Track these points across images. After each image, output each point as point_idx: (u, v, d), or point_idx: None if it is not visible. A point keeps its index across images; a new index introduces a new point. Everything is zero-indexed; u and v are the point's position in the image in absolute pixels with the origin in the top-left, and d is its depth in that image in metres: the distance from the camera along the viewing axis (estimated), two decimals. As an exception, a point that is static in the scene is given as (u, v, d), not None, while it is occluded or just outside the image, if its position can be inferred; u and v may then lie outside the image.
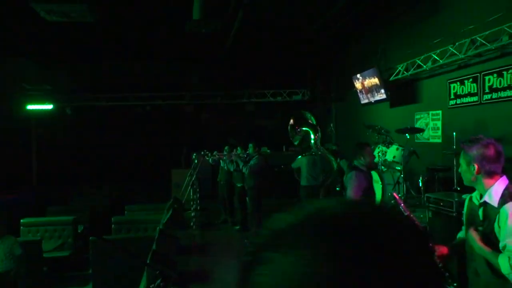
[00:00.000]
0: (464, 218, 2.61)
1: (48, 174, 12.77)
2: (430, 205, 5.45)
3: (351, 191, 4.38)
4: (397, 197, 2.50)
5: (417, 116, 8.83)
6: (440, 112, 8.09)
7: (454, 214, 4.58)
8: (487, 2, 6.67)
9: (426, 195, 5.65)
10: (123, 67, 12.84)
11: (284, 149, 13.48)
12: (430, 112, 8.40)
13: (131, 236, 7.78)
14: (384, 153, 6.24)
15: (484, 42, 6.37)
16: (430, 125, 8.41)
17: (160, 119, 13.43)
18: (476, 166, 2.30)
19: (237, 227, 8.44)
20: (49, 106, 12.28)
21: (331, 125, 13.37)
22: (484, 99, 6.86)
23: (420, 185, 6.16)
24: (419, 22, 8.51)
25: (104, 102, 12.73)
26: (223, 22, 7.84)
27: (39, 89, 12.09)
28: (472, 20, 6.93)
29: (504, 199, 2.23)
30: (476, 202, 2.42)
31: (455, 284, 2.36)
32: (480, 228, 2.30)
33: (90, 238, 6.83)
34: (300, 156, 7.63)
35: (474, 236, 2.29)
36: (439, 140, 8.05)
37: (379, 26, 10.23)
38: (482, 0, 6.81)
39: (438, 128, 8.15)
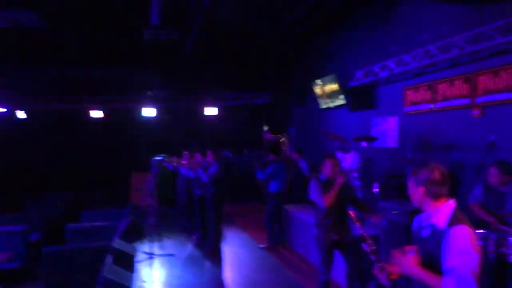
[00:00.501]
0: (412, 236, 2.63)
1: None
2: (385, 213, 5.55)
3: (314, 198, 4.47)
4: (352, 215, 2.49)
5: (375, 121, 9.01)
6: (396, 118, 8.28)
7: (407, 223, 4.67)
8: (441, 12, 6.87)
9: (381, 203, 5.76)
10: (79, 71, 12.47)
11: (246, 152, 13.47)
12: (387, 118, 8.58)
13: (85, 246, 7.52)
14: (342, 161, 6.30)
15: (437, 52, 6.55)
16: (386, 130, 8.59)
17: (120, 122, 13.11)
18: (423, 189, 2.35)
19: (197, 235, 8.33)
20: (3, 109, 11.79)
21: (292, 129, 13.47)
22: (437, 107, 7.07)
23: (377, 192, 6.26)
24: (376, 30, 8.68)
25: (58, 104, 12.28)
26: (182, 27, 7.73)
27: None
28: (426, 29, 7.14)
29: (451, 222, 2.26)
30: (423, 223, 2.44)
31: None
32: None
33: (42, 249, 6.58)
34: (276, 163, 7.61)
35: (407, 261, 2.30)
36: (396, 146, 8.24)
37: (338, 33, 10.38)
38: (436, 11, 7.00)
39: (394, 134, 8.34)
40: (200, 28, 9.01)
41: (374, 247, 2.40)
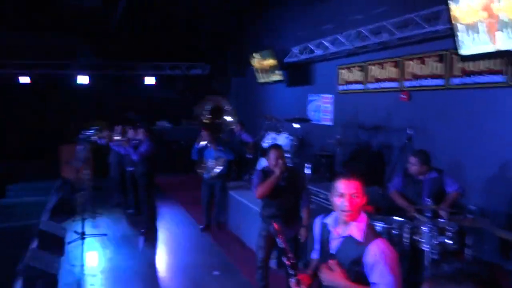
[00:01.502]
0: (318, 240, 2.60)
1: None
2: (312, 197, 5.71)
3: (252, 187, 4.41)
4: (276, 227, 2.49)
5: (311, 98, 9.14)
6: (331, 96, 8.44)
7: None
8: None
9: (309, 187, 5.90)
10: (8, 37, 11.48)
11: (183, 124, 13.25)
12: (321, 96, 8.73)
13: (11, 225, 7.15)
14: (274, 141, 6.38)
15: (367, 35, 6.67)
16: (321, 107, 8.76)
17: (48, 91, 12.35)
18: (365, 199, 2.34)
19: (131, 211, 8.20)
20: None
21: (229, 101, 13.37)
22: (369, 88, 7.27)
23: (309, 173, 6.42)
24: (312, 6, 8.66)
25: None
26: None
27: None
28: (358, 11, 7.21)
29: (368, 236, 2.29)
30: (331, 230, 2.44)
31: None
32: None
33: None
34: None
35: (337, 276, 2.29)
36: (330, 123, 8.44)
37: (275, 8, 10.24)
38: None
39: (329, 112, 8.52)
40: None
41: (294, 261, 2.44)
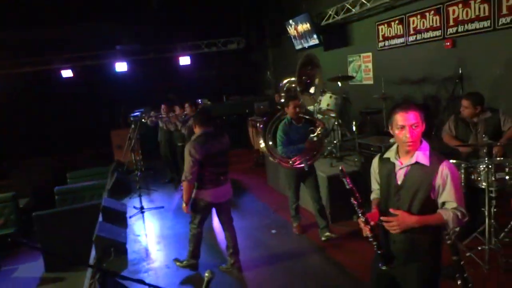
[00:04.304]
0: (377, 179, 2.67)
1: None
2: (362, 150, 5.75)
3: None
4: (344, 170, 2.57)
5: (350, 59, 9.04)
6: (370, 54, 8.33)
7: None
8: None
9: (358, 141, 5.93)
10: (47, 32, 11.92)
11: (224, 99, 13.42)
12: (361, 55, 8.62)
13: (75, 207, 7.63)
14: (319, 102, 6.39)
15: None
16: (362, 67, 8.67)
17: (93, 81, 12.80)
18: (424, 126, 2.41)
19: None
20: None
21: (268, 72, 13.41)
22: (409, 41, 7.11)
23: (354, 129, 6.43)
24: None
25: (28, 67, 11.88)
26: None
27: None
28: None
29: (434, 159, 2.38)
30: (395, 162, 2.50)
31: (379, 252, 2.50)
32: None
33: (33, 214, 6.68)
34: None
35: (404, 218, 2.40)
36: (371, 82, 8.35)
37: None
38: None
39: (369, 70, 8.42)
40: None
41: (361, 201, 2.51)
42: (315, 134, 4.99)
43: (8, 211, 8.39)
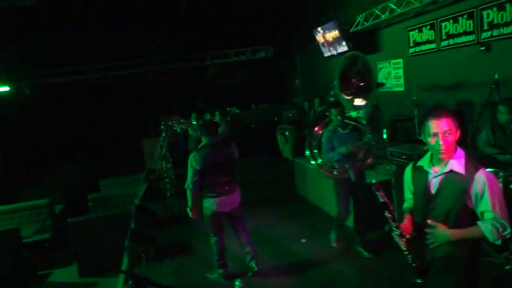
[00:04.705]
0: (410, 188, 2.61)
1: (13, 157, 12.42)
2: (394, 158, 5.65)
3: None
4: (378, 184, 2.54)
5: (380, 66, 8.94)
6: (401, 60, 8.21)
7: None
8: None
9: (389, 149, 5.83)
10: (77, 41, 12.29)
11: (253, 107, 13.48)
12: (391, 61, 8.51)
13: (109, 214, 7.77)
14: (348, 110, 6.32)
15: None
16: (392, 74, 8.55)
17: (123, 89, 13.10)
18: (459, 134, 2.34)
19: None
20: (5, 88, 11.80)
21: (296, 80, 13.39)
22: (441, 46, 6.98)
23: (385, 137, 6.32)
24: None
25: (62, 78, 12.26)
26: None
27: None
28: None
29: (470, 167, 2.30)
30: (428, 170, 2.43)
31: (413, 265, 2.45)
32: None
33: (68, 220, 6.85)
34: None
35: (444, 231, 2.34)
36: (402, 89, 8.22)
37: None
38: None
39: (400, 77, 8.30)
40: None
41: (394, 214, 2.47)
42: (362, 141, 4.81)
43: (44, 217, 8.62)
